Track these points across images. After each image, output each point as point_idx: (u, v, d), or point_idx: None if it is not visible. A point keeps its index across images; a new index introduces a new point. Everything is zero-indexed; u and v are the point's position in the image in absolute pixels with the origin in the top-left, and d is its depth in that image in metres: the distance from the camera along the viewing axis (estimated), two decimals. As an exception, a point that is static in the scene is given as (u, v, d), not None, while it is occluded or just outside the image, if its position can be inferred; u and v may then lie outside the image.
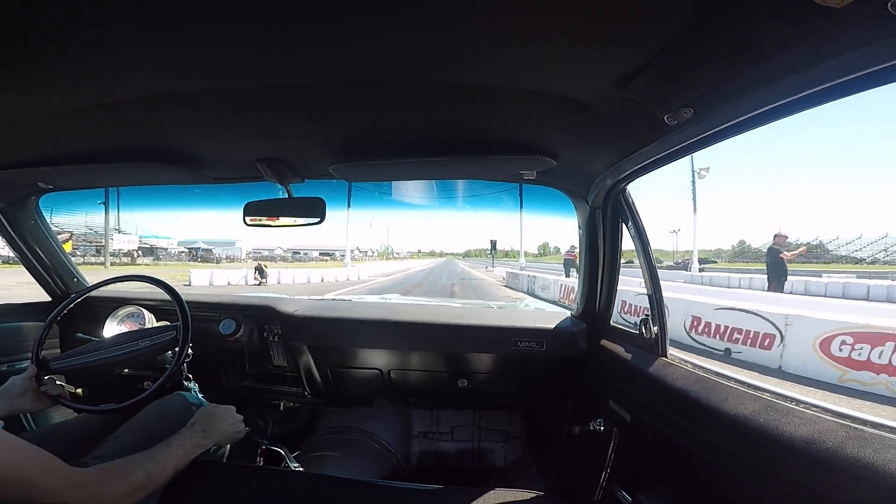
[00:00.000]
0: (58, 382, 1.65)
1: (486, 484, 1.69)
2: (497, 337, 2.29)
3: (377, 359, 2.46)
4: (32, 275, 2.54)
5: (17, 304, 2.51)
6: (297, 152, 1.70)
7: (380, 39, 0.92)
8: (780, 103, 0.92)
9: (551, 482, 2.40)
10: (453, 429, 2.91)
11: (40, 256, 2.47)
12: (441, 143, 1.53)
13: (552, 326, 2.28)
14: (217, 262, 62.51)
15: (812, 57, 0.77)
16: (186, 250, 76.25)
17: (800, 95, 0.87)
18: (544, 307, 3.32)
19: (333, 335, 2.42)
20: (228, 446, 1.85)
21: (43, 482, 0.98)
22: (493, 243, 61.74)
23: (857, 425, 0.95)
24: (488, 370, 2.44)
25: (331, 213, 1.92)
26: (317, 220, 1.91)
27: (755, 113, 0.98)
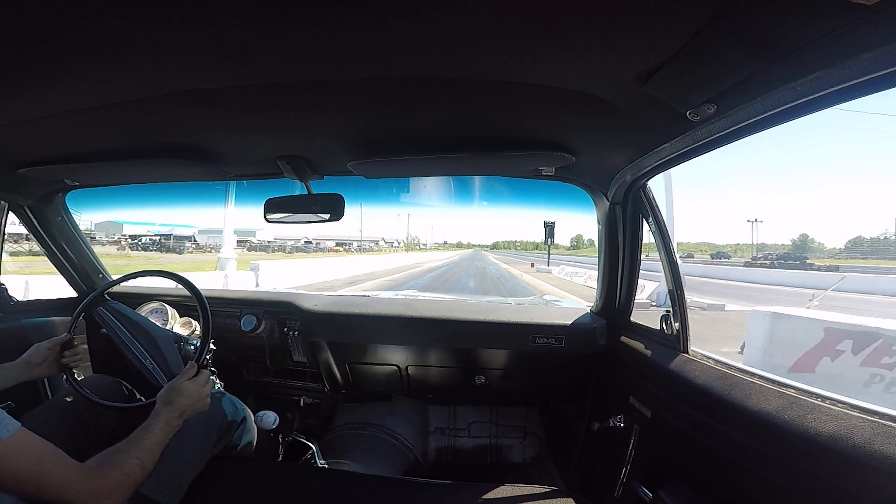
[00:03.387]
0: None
1: (504, 480, 1.70)
2: (515, 333, 2.29)
3: (395, 355, 2.48)
4: (59, 270, 2.60)
5: (45, 300, 2.58)
6: (317, 149, 1.72)
7: (399, 37, 0.92)
8: (806, 99, 0.90)
9: (570, 479, 2.40)
10: (470, 425, 2.92)
11: (67, 252, 2.52)
12: (459, 140, 1.53)
13: (571, 322, 2.27)
14: (180, 253, 59.05)
15: (840, 53, 0.76)
16: (159, 237, 73.17)
17: (826, 92, 0.85)
18: (563, 303, 3.29)
19: (352, 331, 2.44)
20: (255, 441, 1.89)
21: (57, 478, 1.05)
22: (550, 228, 34.45)
23: (885, 421, 0.94)
24: (506, 366, 2.44)
25: (350, 209, 1.93)
26: (335, 216, 1.92)
27: (780, 109, 0.96)
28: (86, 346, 2.56)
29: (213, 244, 77.44)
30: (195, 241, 75.21)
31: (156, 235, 74.16)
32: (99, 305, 1.93)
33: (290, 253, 76.12)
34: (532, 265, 42.66)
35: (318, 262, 30.47)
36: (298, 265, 25.83)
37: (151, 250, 60.60)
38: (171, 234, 73.04)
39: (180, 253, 56.83)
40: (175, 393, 1.51)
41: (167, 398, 1.48)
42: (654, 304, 16.15)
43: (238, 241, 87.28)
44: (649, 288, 17.32)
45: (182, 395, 1.52)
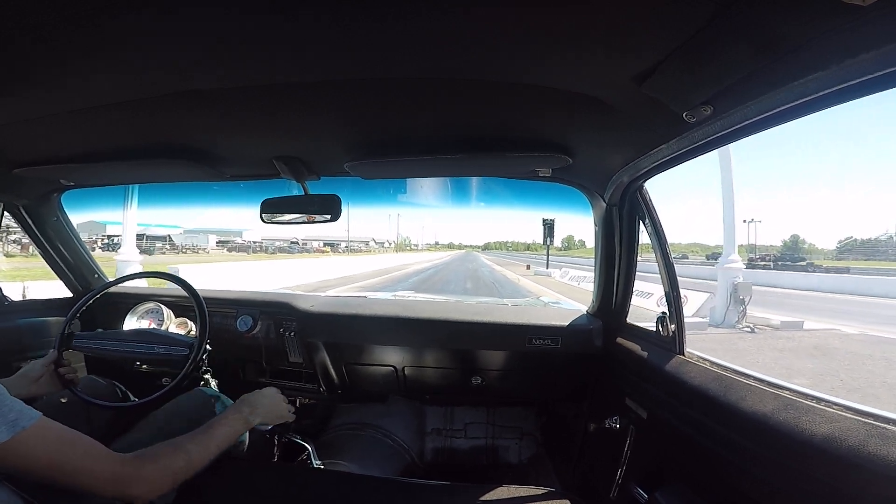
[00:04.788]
0: (73, 366, 1.75)
1: (501, 481, 1.70)
2: (512, 334, 2.29)
3: (392, 355, 2.47)
4: (54, 270, 2.59)
5: (40, 300, 2.57)
6: (314, 150, 1.71)
7: (398, 37, 0.92)
8: (801, 101, 0.90)
9: (567, 480, 2.40)
10: (467, 426, 2.92)
11: (62, 252, 2.52)
12: (457, 141, 1.53)
13: (567, 324, 2.27)
14: (150, 254, 53.70)
15: (836, 54, 0.76)
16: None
17: (822, 93, 0.86)
18: (560, 304, 3.30)
19: (348, 332, 2.43)
20: (247, 440, 1.88)
21: (83, 465, 1.04)
22: (549, 225, 30.09)
23: (879, 423, 0.94)
24: (503, 367, 2.44)
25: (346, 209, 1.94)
26: (333, 217, 1.92)
27: (776, 110, 0.97)
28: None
29: (189, 244, 75.89)
30: (170, 241, 73.26)
31: (128, 236, 72.16)
32: (66, 348, 1.85)
33: (272, 254, 74.21)
34: (528, 267, 38.59)
35: (291, 264, 28.46)
36: (258, 268, 23.58)
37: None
38: (143, 235, 71.31)
39: (150, 254, 54.22)
40: (257, 395, 1.58)
41: (248, 400, 1.54)
42: (711, 323, 11.56)
43: (218, 242, 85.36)
44: (694, 300, 12.91)
45: (260, 395, 1.59)
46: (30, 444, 0.97)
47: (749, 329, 11.09)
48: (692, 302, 12.43)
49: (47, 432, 1.02)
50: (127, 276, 2.13)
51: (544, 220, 29.82)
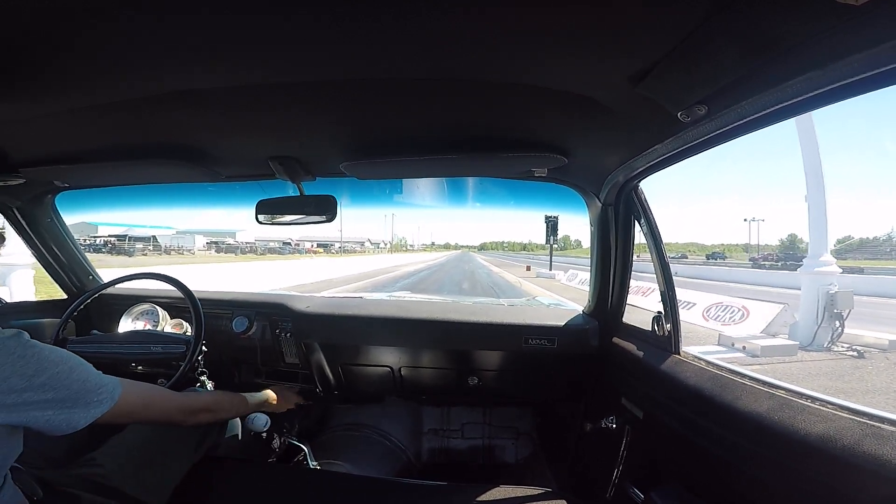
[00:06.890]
0: None
1: (497, 481, 1.70)
2: (508, 334, 2.29)
3: (388, 356, 2.47)
4: (49, 272, 2.58)
5: (34, 302, 2.56)
6: (309, 150, 1.71)
7: (394, 37, 0.92)
8: (795, 100, 0.91)
9: (563, 480, 2.40)
10: (464, 426, 2.93)
11: (56, 254, 2.51)
12: (452, 141, 1.53)
13: (563, 324, 2.28)
14: (130, 255, 54.30)
15: (829, 54, 0.77)
16: (114, 239, 68.79)
17: (816, 93, 0.86)
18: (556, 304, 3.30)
19: (344, 332, 2.43)
20: (240, 434, 1.89)
21: (164, 405, 1.44)
22: (553, 223, 22.85)
23: (874, 422, 0.94)
24: (500, 367, 2.44)
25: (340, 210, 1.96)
26: (329, 217, 1.92)
27: (771, 110, 0.97)
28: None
29: (175, 246, 74.59)
30: (155, 241, 71.83)
31: (110, 237, 71.30)
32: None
33: (261, 255, 73.35)
34: (528, 268, 35.97)
35: (268, 266, 27.74)
36: (225, 272, 22.54)
37: (103, 252, 57.14)
38: (125, 236, 70.32)
39: (130, 255, 53.75)
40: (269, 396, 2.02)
41: (263, 398, 1.99)
42: (800, 345, 8.56)
43: (208, 243, 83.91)
44: (759, 313, 10.15)
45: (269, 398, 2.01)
46: (125, 404, 1.25)
47: (854, 352, 8.39)
48: (756, 315, 10.16)
49: (133, 391, 1.31)
50: (122, 277, 2.13)
51: (547, 217, 26.57)
